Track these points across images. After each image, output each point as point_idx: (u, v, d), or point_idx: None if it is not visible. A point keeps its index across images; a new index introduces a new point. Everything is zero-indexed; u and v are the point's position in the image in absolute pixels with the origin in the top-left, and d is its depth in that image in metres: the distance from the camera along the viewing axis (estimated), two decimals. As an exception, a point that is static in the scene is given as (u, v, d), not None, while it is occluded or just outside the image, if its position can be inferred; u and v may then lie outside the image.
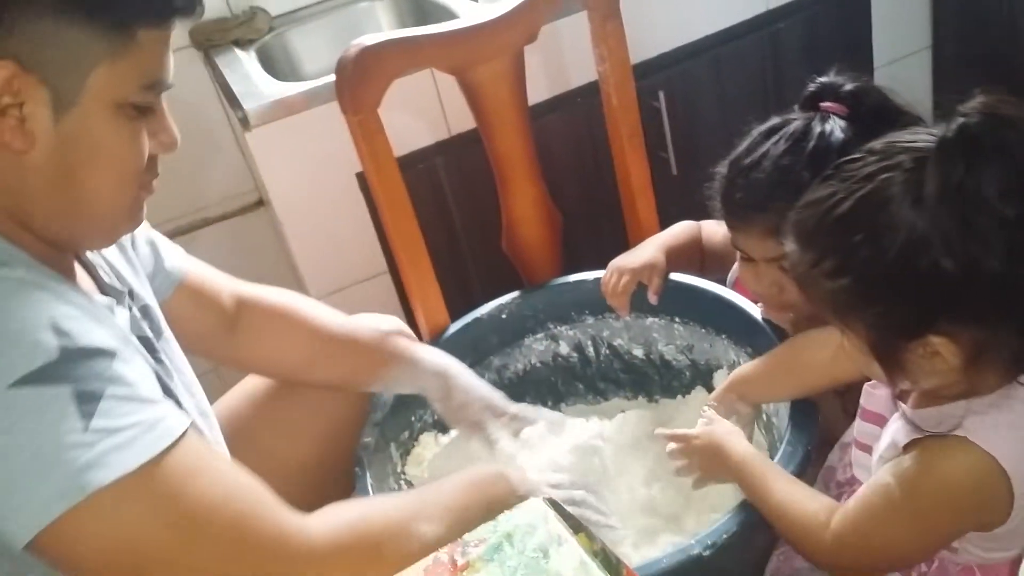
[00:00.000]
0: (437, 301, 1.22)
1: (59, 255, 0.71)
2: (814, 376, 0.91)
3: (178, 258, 0.95)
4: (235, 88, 1.40)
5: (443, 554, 0.64)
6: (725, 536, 0.81)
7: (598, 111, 1.30)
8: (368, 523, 0.73)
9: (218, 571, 0.65)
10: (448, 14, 1.51)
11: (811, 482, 0.91)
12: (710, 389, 1.13)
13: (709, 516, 0.98)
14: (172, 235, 1.65)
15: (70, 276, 0.72)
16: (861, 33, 1.76)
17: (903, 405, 0.76)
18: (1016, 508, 0.70)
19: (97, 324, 0.65)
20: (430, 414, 1.14)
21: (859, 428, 0.84)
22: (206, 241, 1.69)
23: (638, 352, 1.22)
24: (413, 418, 1.13)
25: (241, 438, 0.93)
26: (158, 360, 0.79)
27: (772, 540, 0.93)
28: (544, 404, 1.26)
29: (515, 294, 1.23)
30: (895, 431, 0.76)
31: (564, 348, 1.25)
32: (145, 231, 0.91)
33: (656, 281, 1.13)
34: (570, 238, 1.36)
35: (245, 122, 1.34)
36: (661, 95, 1.53)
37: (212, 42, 1.55)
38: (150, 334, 0.81)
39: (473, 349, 1.21)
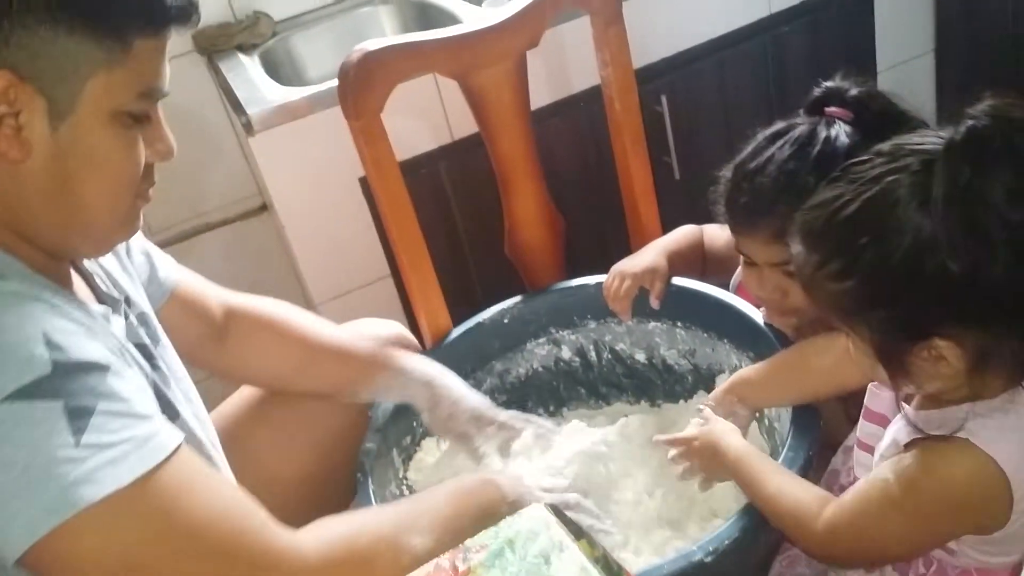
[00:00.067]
0: (439, 305, 1.22)
1: (56, 263, 0.71)
2: (818, 382, 0.91)
3: (170, 268, 0.96)
4: (238, 93, 1.40)
5: (444, 560, 0.64)
6: (727, 542, 0.81)
7: (601, 116, 1.30)
8: (359, 537, 0.73)
9: None
10: (451, 19, 1.51)
11: (814, 486, 0.91)
12: (712, 394, 1.13)
13: (711, 521, 0.98)
14: (175, 240, 1.67)
15: (67, 285, 0.72)
16: (864, 37, 1.76)
17: (906, 406, 0.76)
18: (1015, 513, 0.70)
19: (91, 338, 0.65)
20: (432, 419, 1.14)
21: (862, 428, 0.84)
22: (209, 246, 1.70)
23: (640, 356, 1.22)
24: (415, 423, 1.13)
25: (237, 446, 0.93)
26: (156, 367, 0.79)
27: (774, 546, 0.93)
28: (546, 409, 1.26)
29: (517, 298, 1.23)
30: (897, 431, 0.76)
31: (566, 353, 1.25)
32: (140, 241, 0.91)
33: (658, 285, 1.13)
34: (572, 242, 1.36)
35: (248, 127, 1.35)
36: (664, 99, 1.53)
37: (216, 47, 1.55)
38: (147, 341, 0.81)
39: (475, 354, 1.21)
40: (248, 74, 1.47)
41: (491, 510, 0.80)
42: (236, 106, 1.39)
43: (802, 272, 0.73)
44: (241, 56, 1.53)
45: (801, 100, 0.99)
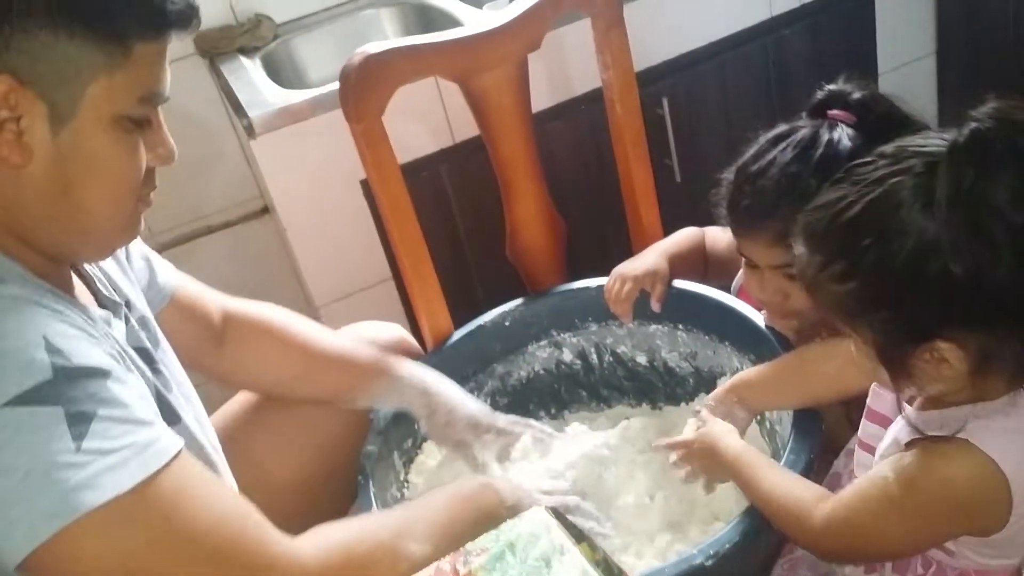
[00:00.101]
0: (441, 308, 1.22)
1: (57, 268, 0.71)
2: (820, 388, 0.91)
3: (169, 274, 0.96)
4: (240, 96, 1.40)
5: (445, 563, 0.64)
6: (728, 546, 0.81)
7: (602, 118, 1.30)
8: (358, 544, 0.73)
9: None
10: (453, 22, 1.51)
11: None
12: (714, 397, 1.13)
13: (713, 524, 0.98)
14: (177, 242, 1.67)
15: (68, 289, 0.72)
16: (865, 39, 1.76)
17: (907, 407, 0.76)
18: (1015, 516, 0.69)
19: (92, 343, 0.65)
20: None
21: (864, 428, 0.84)
22: (210, 248, 1.70)
23: (641, 359, 1.22)
24: (416, 426, 1.13)
25: (238, 449, 0.93)
26: (156, 371, 0.80)
27: (775, 549, 0.93)
28: (547, 411, 1.26)
29: (518, 301, 1.23)
30: (898, 431, 0.76)
31: (567, 355, 1.25)
32: (139, 246, 0.91)
33: (659, 288, 1.13)
34: (574, 245, 1.36)
35: (250, 130, 1.35)
36: (665, 102, 1.53)
37: (217, 50, 1.55)
38: (148, 345, 0.81)
39: (476, 356, 1.21)
40: (249, 77, 1.47)
41: (489, 515, 0.80)
42: (237, 109, 1.39)
43: (805, 273, 0.73)
44: (243, 59, 1.54)
45: (802, 103, 0.99)
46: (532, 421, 1.13)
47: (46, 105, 0.63)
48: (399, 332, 1.19)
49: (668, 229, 1.26)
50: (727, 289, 1.14)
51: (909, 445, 0.73)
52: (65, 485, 0.59)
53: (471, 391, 1.19)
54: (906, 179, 0.67)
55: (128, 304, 0.82)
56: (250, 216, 1.72)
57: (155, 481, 0.62)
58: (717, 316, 1.10)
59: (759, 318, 1.05)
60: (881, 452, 0.78)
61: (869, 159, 0.71)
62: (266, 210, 1.70)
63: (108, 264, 0.82)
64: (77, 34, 0.63)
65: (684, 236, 1.21)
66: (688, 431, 0.95)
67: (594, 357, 1.24)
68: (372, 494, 0.98)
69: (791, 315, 1.00)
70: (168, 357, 0.85)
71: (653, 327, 1.18)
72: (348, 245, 1.47)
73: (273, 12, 1.61)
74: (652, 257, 1.16)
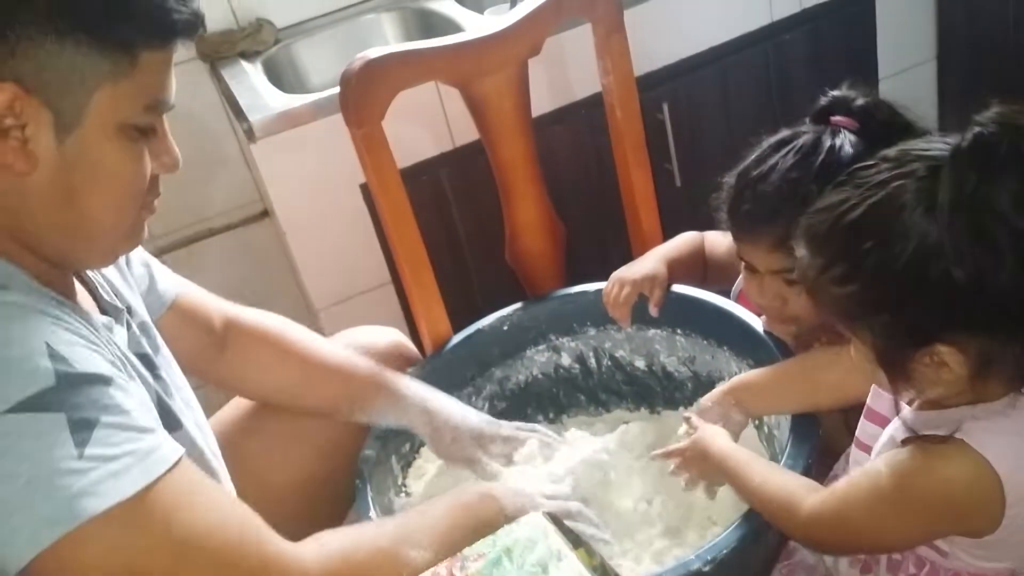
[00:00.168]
0: (440, 312, 1.22)
1: (59, 274, 0.72)
2: (821, 395, 0.91)
3: (170, 280, 0.96)
4: (241, 100, 1.41)
5: (442, 568, 0.64)
6: (725, 551, 0.81)
7: (602, 123, 1.30)
8: (358, 551, 0.73)
9: None
10: (454, 27, 1.51)
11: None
12: (712, 401, 1.13)
13: (710, 529, 0.98)
14: (177, 245, 1.67)
15: (70, 295, 0.73)
16: (866, 44, 1.76)
17: (906, 409, 0.76)
18: (1007, 517, 0.69)
19: (94, 350, 0.66)
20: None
21: (862, 428, 0.84)
22: (211, 251, 1.70)
23: (640, 363, 1.22)
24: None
25: (236, 453, 0.94)
26: (157, 377, 0.80)
27: (773, 554, 0.93)
28: (545, 416, 1.26)
29: (517, 305, 1.23)
30: (895, 430, 0.76)
31: (566, 359, 1.25)
32: (140, 253, 0.91)
33: (657, 293, 1.13)
34: (573, 249, 1.36)
35: (250, 134, 1.35)
36: (665, 107, 1.54)
37: (218, 54, 1.56)
38: (149, 351, 0.81)
39: (475, 360, 1.21)
40: (250, 81, 1.47)
41: (490, 524, 0.80)
42: (238, 113, 1.40)
43: (806, 276, 0.73)
44: (244, 63, 1.54)
45: (803, 108, 0.99)
46: (537, 426, 1.13)
47: (51, 113, 0.63)
48: (397, 336, 1.19)
49: (668, 233, 1.26)
50: (727, 293, 1.14)
51: (905, 442, 0.73)
52: (67, 492, 0.59)
53: (469, 395, 1.20)
54: (909, 183, 0.67)
55: (129, 310, 0.82)
56: (250, 220, 1.72)
57: (156, 488, 0.63)
58: (716, 321, 1.10)
59: (758, 323, 1.05)
60: (877, 450, 0.78)
61: (872, 162, 0.71)
62: (266, 214, 1.71)
63: (109, 270, 0.82)
64: (83, 42, 0.63)
65: (683, 240, 1.21)
66: (683, 442, 0.95)
67: (592, 361, 1.24)
68: (370, 498, 0.98)
69: (790, 320, 1.00)
70: (168, 363, 0.85)
71: (652, 331, 1.18)
72: (348, 249, 1.47)
73: (274, 17, 1.61)
74: (651, 262, 1.16)
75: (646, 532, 1.00)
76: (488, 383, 1.22)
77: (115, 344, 0.72)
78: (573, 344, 1.24)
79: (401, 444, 1.12)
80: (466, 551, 0.65)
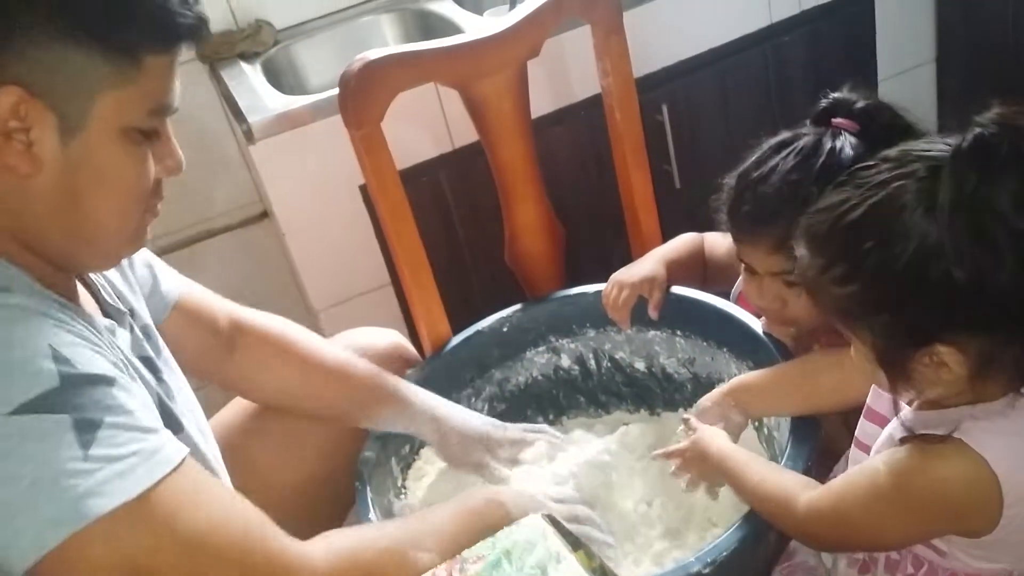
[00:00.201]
0: (439, 314, 1.22)
1: (62, 276, 0.72)
2: (821, 398, 0.91)
3: (174, 281, 0.96)
4: (240, 101, 1.41)
5: (441, 570, 0.64)
6: (725, 554, 0.81)
7: (601, 124, 1.30)
8: (365, 551, 0.74)
9: None
10: (453, 28, 1.52)
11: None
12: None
13: (710, 531, 0.97)
14: (176, 246, 1.67)
15: (73, 297, 0.73)
16: (865, 46, 1.76)
17: (905, 409, 0.76)
18: (1005, 517, 0.69)
19: (96, 351, 0.66)
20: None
21: (862, 427, 0.84)
22: (210, 252, 1.70)
23: (639, 365, 1.22)
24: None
25: (234, 456, 0.93)
26: (160, 380, 0.80)
27: (773, 556, 0.93)
28: (545, 417, 1.26)
29: (517, 307, 1.23)
30: (894, 429, 0.76)
31: (565, 361, 1.25)
32: (143, 254, 0.91)
33: (656, 295, 1.13)
34: (573, 251, 1.36)
35: (249, 135, 1.35)
36: (664, 108, 1.54)
37: (218, 55, 1.56)
38: (151, 353, 0.81)
39: (474, 362, 1.21)
40: (250, 82, 1.47)
41: (497, 529, 0.80)
42: (237, 114, 1.40)
43: (806, 275, 0.73)
44: (243, 64, 1.54)
45: (802, 109, 0.99)
46: (544, 427, 1.14)
47: (56, 116, 0.64)
48: (396, 338, 1.19)
49: (667, 235, 1.26)
50: (726, 294, 1.14)
51: (903, 441, 0.73)
52: (73, 492, 0.59)
53: (468, 397, 1.20)
54: (909, 183, 0.67)
55: (132, 313, 0.82)
56: (250, 221, 1.72)
57: (162, 487, 0.63)
58: (715, 322, 1.10)
59: (757, 325, 1.05)
60: (876, 449, 0.79)
61: (872, 162, 0.71)
62: (265, 215, 1.71)
63: (111, 273, 0.83)
64: (87, 46, 0.63)
65: (683, 242, 1.21)
66: (683, 443, 0.95)
67: (592, 363, 1.24)
68: (370, 500, 0.98)
69: (789, 322, 1.00)
70: (170, 366, 0.85)
71: (651, 333, 1.18)
72: (347, 250, 1.47)
73: (273, 18, 1.61)
74: (650, 263, 1.16)
75: (646, 534, 1.00)
76: (488, 385, 1.22)
77: (117, 347, 0.72)
78: (573, 346, 1.24)
79: (401, 446, 1.12)
80: (465, 553, 0.65)
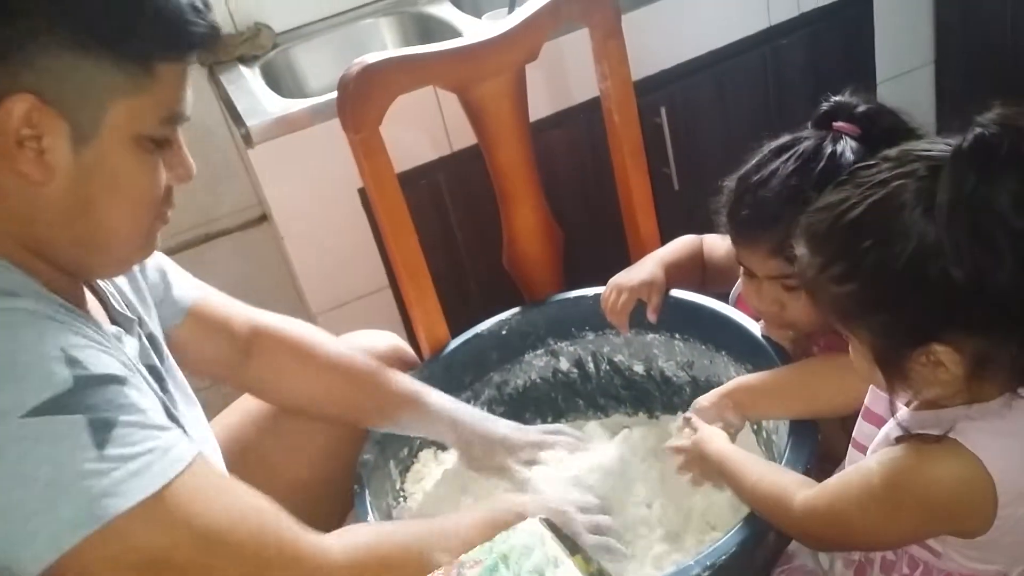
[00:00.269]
0: (437, 317, 1.22)
1: (70, 282, 0.72)
2: (820, 403, 0.91)
3: (188, 286, 0.96)
4: (238, 105, 1.41)
5: (438, 575, 0.64)
6: (724, 557, 0.81)
7: (600, 127, 1.30)
8: (384, 546, 0.74)
9: None
10: (452, 31, 1.52)
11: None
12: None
13: (709, 534, 0.97)
14: (175, 250, 1.67)
15: (80, 303, 0.73)
16: (863, 48, 1.76)
17: (902, 409, 0.76)
18: (1000, 518, 0.69)
19: (105, 352, 0.66)
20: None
21: (859, 428, 0.84)
22: (209, 256, 1.70)
23: (638, 368, 1.22)
24: (412, 435, 1.12)
25: (238, 456, 0.94)
26: (165, 390, 0.80)
27: (772, 559, 0.93)
28: (544, 420, 1.26)
29: (515, 310, 1.23)
30: (891, 429, 0.76)
31: (564, 364, 1.25)
32: (155, 259, 0.91)
33: (655, 299, 1.13)
34: (571, 254, 1.36)
35: (248, 138, 1.35)
36: (663, 111, 1.54)
37: (216, 58, 1.56)
38: (158, 363, 0.82)
39: (473, 365, 1.21)
40: (249, 86, 1.47)
41: None
42: (236, 117, 1.40)
43: (805, 274, 0.73)
44: (242, 68, 1.54)
45: (800, 112, 0.99)
46: (564, 427, 1.14)
47: (68, 124, 0.64)
48: (395, 341, 1.19)
49: (666, 237, 1.26)
50: (725, 296, 1.14)
51: (899, 440, 0.73)
52: (89, 493, 0.60)
53: (467, 400, 1.19)
54: (909, 182, 0.67)
55: (140, 321, 0.82)
56: (248, 224, 1.72)
57: (177, 484, 0.63)
58: (714, 326, 1.10)
59: (756, 328, 1.05)
60: (872, 449, 0.79)
61: (873, 162, 0.71)
62: (264, 218, 1.71)
63: (121, 280, 0.83)
64: (100, 55, 0.63)
65: (681, 244, 1.21)
66: (684, 441, 0.95)
67: (591, 366, 1.24)
68: (368, 503, 0.98)
69: (788, 325, 1.00)
70: (174, 374, 0.86)
71: (650, 336, 1.18)
72: (345, 253, 1.47)
73: (272, 21, 1.61)
74: (648, 267, 1.16)
75: (646, 536, 1.00)
76: (486, 388, 1.22)
77: (125, 354, 0.72)
78: (572, 349, 1.24)
79: (399, 449, 1.12)
80: (463, 557, 0.65)
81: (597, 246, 1.52)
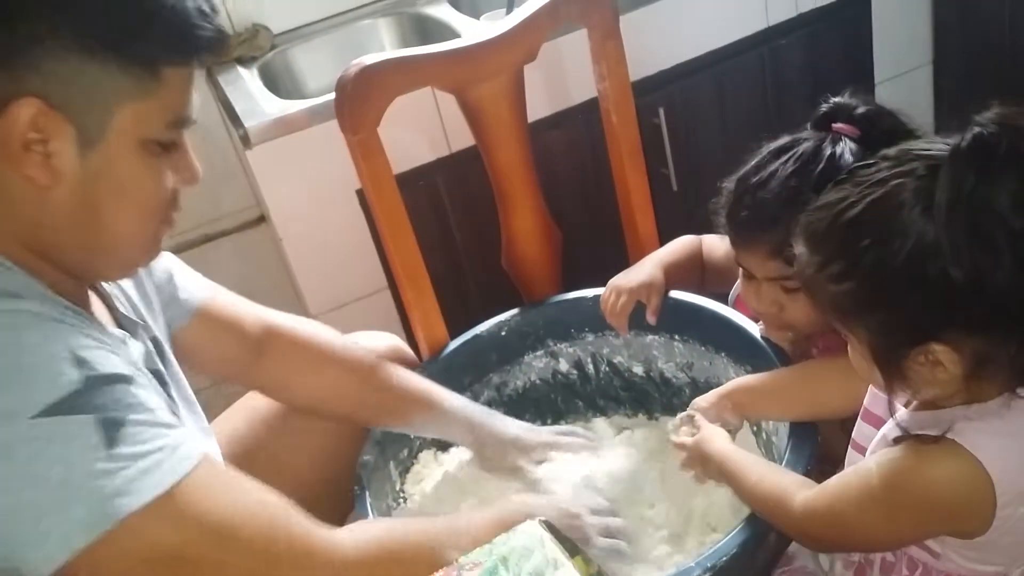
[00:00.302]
0: (436, 318, 1.22)
1: (75, 285, 0.72)
2: (820, 405, 0.91)
3: (196, 287, 0.96)
4: (236, 106, 1.41)
5: (438, 577, 0.63)
6: (724, 558, 0.81)
7: (598, 128, 1.30)
8: (396, 542, 0.75)
9: None
10: (450, 32, 1.51)
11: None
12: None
13: (710, 536, 0.97)
14: (173, 251, 1.65)
15: (85, 306, 0.73)
16: (862, 49, 1.76)
17: (900, 410, 0.76)
18: (998, 519, 0.69)
19: (112, 352, 0.66)
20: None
21: (858, 429, 0.84)
22: (207, 257, 1.70)
23: (638, 369, 1.22)
24: (412, 436, 1.12)
25: (241, 455, 0.93)
26: (169, 395, 0.80)
27: (772, 561, 0.92)
28: (543, 422, 1.26)
29: (514, 311, 1.23)
30: (889, 429, 0.76)
31: (564, 365, 1.25)
32: (163, 260, 0.91)
33: (654, 301, 1.13)
34: (570, 255, 1.35)
35: (246, 140, 1.35)
36: (661, 112, 1.54)
37: (214, 59, 1.55)
38: (162, 368, 0.82)
39: (472, 366, 1.21)
40: (246, 87, 1.47)
41: None
42: (234, 118, 1.40)
43: (804, 273, 0.73)
44: (240, 69, 1.54)
45: (799, 112, 0.99)
46: (577, 428, 1.14)
47: (74, 128, 0.64)
48: (395, 341, 1.19)
49: (665, 238, 1.26)
50: (724, 297, 1.14)
51: (897, 441, 0.73)
52: (101, 493, 0.60)
53: (467, 401, 1.19)
54: (908, 181, 0.67)
55: (145, 326, 0.82)
56: (246, 225, 1.72)
57: (187, 481, 0.64)
58: (713, 327, 1.10)
59: (755, 329, 1.05)
60: (871, 450, 0.79)
61: (872, 161, 0.71)
62: (262, 219, 1.70)
63: (126, 284, 0.83)
64: (106, 59, 0.63)
65: (680, 245, 1.20)
66: (674, 431, 0.96)
67: (590, 367, 1.24)
68: (369, 504, 0.98)
69: (786, 327, 1.00)
70: (178, 380, 0.86)
71: (649, 338, 1.18)
72: (344, 255, 1.47)
73: (271, 22, 1.61)
74: (647, 268, 1.15)
75: (650, 537, 0.99)
76: (486, 389, 1.22)
77: (130, 357, 0.73)
78: (571, 350, 1.23)
79: (399, 450, 1.12)
80: (462, 560, 0.65)
81: (596, 247, 1.52)
